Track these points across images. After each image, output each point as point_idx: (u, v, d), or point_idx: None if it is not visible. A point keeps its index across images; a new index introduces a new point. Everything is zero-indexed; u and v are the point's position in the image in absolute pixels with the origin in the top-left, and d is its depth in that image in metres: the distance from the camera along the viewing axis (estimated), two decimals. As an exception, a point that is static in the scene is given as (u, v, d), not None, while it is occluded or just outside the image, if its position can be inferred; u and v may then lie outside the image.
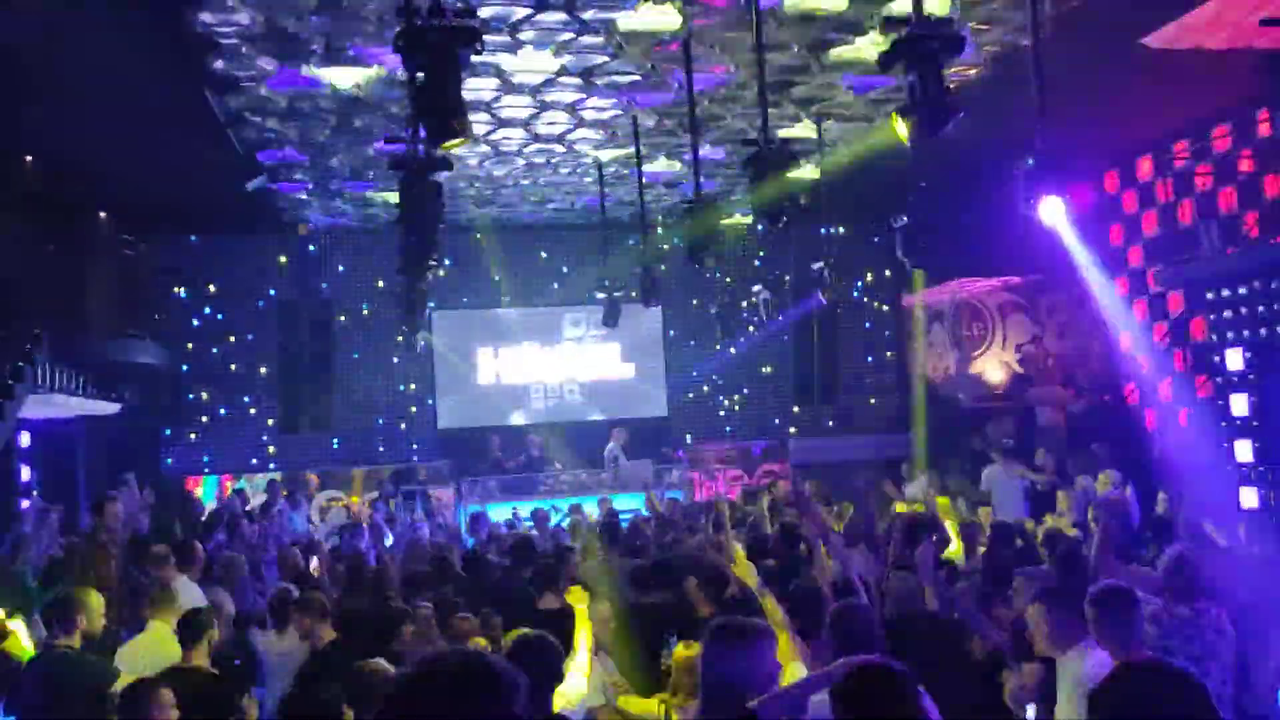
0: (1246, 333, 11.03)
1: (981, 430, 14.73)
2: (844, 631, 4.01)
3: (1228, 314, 11.32)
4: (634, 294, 11.80)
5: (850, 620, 4.10)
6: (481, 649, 2.28)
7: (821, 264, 11.95)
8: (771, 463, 16.96)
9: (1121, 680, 3.85)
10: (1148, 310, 14.30)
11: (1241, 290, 11.03)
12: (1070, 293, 14.76)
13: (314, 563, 9.01)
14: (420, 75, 5.21)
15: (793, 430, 17.09)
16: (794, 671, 3.95)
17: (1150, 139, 13.59)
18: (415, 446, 16.30)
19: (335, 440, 15.97)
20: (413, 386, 16.34)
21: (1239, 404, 11.14)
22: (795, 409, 17.20)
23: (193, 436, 15.56)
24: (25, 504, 12.18)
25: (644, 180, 11.68)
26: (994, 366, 16.47)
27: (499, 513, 13.10)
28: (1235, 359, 11.20)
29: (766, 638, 3.48)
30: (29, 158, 11.35)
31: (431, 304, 14.15)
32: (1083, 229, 10.78)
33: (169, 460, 15.36)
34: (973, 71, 10.16)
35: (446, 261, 13.83)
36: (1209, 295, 11.70)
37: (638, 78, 10.28)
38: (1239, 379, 11.15)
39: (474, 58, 5.27)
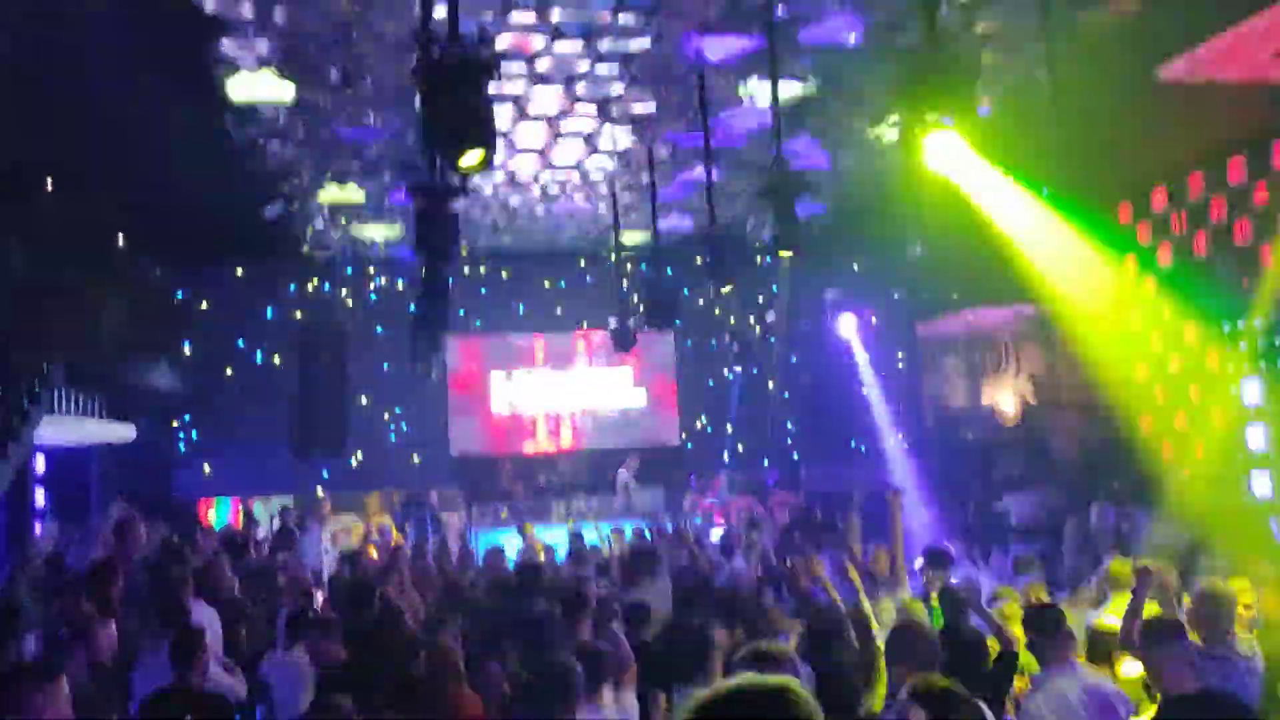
0: (1263, 365, 10.97)
1: (994, 461, 14.66)
2: (904, 647, 4.01)
3: (1244, 345, 11.26)
4: (647, 321, 11.83)
5: (911, 638, 4.08)
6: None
7: (834, 291, 11.95)
8: (785, 491, 16.89)
9: (1172, 713, 3.82)
10: (1163, 341, 14.24)
11: (1258, 322, 10.99)
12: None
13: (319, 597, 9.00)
14: (437, 101, 5.26)
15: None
16: None
17: (1164, 171, 13.58)
18: (428, 472, 16.29)
19: (348, 465, 15.98)
20: (426, 412, 16.36)
21: (1256, 437, 11.07)
22: (809, 437, 17.14)
23: (206, 461, 15.58)
24: (39, 527, 12.23)
25: (658, 207, 11.73)
26: (1007, 396, 16.41)
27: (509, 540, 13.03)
28: (1252, 392, 11.14)
29: (793, 665, 3.48)
30: (49, 180, 11.46)
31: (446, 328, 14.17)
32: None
33: (182, 484, 15.39)
34: (986, 103, 10.18)
35: (461, 288, 13.92)
36: (1225, 327, 11.65)
37: (653, 107, 10.35)
38: (1255, 412, 11.09)
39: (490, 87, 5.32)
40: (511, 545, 12.15)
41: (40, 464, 12.66)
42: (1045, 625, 4.59)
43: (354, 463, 16.03)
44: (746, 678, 1.95)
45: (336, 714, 4.33)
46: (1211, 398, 13.02)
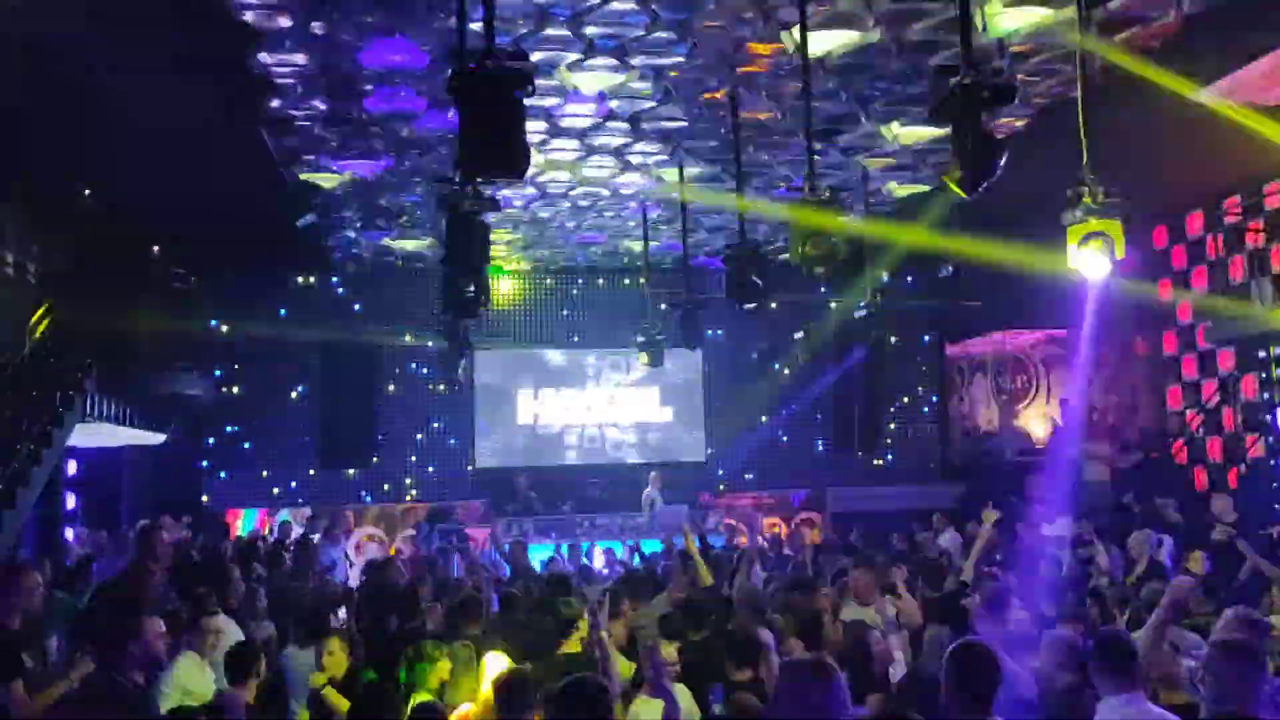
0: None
1: (1023, 484, 14.48)
2: (960, 672, 3.86)
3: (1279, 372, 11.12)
4: (675, 337, 11.83)
5: (969, 660, 3.92)
6: None
7: (864, 311, 11.89)
8: (810, 511, 16.79)
9: None
10: (1197, 367, 14.09)
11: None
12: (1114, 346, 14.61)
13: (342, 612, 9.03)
14: (471, 116, 5.29)
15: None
16: None
17: (1200, 194, 13.46)
18: (453, 485, 16.32)
19: (373, 476, 16.03)
20: (452, 425, 16.40)
21: (1292, 464, 10.90)
22: (835, 457, 17.05)
23: (233, 469, 15.67)
24: (70, 532, 12.33)
25: (688, 224, 11.73)
26: (1037, 420, 16.27)
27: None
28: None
29: (837, 675, 3.40)
30: (87, 191, 11.62)
31: (474, 342, 14.22)
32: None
33: (211, 493, 15.49)
34: (1021, 123, 10.13)
35: (489, 302, 13.97)
36: (1260, 353, 11.51)
37: (684, 123, 10.37)
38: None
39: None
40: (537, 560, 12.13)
41: (71, 468, 12.78)
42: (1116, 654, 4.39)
43: (379, 474, 16.07)
44: None
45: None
46: (1246, 424, 12.86)
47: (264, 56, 8.64)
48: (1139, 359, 15.37)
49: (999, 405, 16.55)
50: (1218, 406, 13.51)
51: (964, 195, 5.68)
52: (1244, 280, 12.57)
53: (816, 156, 8.25)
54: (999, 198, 5.89)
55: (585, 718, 3.69)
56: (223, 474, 15.61)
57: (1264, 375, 12.09)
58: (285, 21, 8.08)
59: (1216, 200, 13.30)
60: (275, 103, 9.59)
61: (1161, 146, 10.66)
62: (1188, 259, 14.12)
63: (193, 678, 5.84)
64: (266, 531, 14.15)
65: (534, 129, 10.24)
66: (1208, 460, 13.67)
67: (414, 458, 16.29)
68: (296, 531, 13.24)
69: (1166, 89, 9.17)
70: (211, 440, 15.67)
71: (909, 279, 16.26)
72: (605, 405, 16.90)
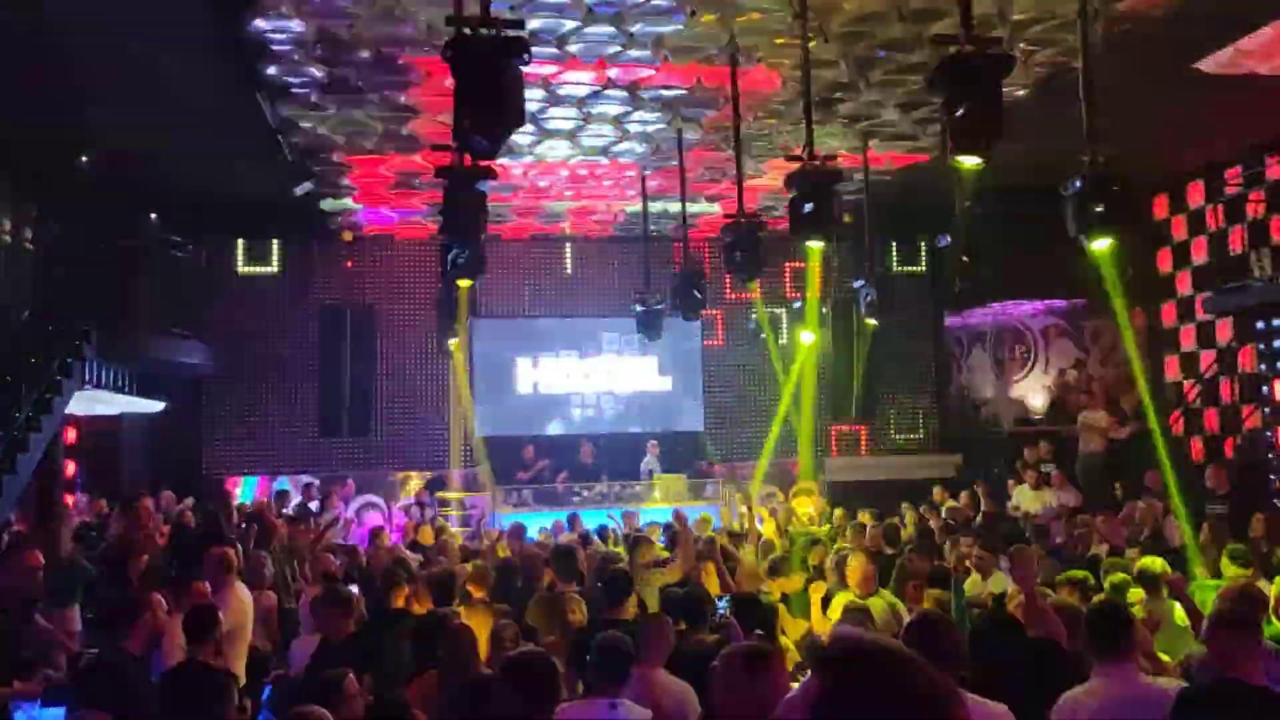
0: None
1: (1019, 454, 14.55)
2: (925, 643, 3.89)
3: (1278, 343, 11.13)
4: (673, 308, 11.82)
5: (933, 632, 3.97)
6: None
7: (863, 281, 11.87)
8: (806, 480, 16.83)
9: (1199, 696, 3.76)
10: (1195, 338, 14.10)
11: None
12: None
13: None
14: (467, 85, 5.27)
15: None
16: None
17: (1201, 165, 13.42)
18: (451, 453, 16.34)
19: (374, 444, 16.06)
20: (451, 393, 16.40)
21: (1287, 436, 10.94)
22: (832, 427, 17.08)
23: (233, 437, 15.69)
24: (70, 499, 12.38)
25: (686, 194, 11.70)
26: (1035, 390, 16.29)
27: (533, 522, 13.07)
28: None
29: (778, 661, 3.38)
30: (84, 158, 11.56)
31: (472, 310, 14.22)
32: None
33: (210, 460, 15.51)
34: (1021, 92, 10.07)
35: (489, 270, 13.98)
36: (1259, 324, 11.52)
37: (683, 92, 10.31)
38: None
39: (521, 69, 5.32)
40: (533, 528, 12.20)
41: (71, 436, 12.81)
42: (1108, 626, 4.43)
43: (378, 442, 16.10)
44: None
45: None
46: (1244, 395, 12.89)
47: (260, 23, 8.58)
48: (1137, 330, 15.37)
49: (997, 376, 16.57)
50: (1215, 378, 13.53)
51: (962, 165, 5.68)
52: (1243, 251, 12.57)
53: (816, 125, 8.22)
54: (999, 167, 5.89)
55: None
56: (221, 441, 15.63)
57: (1262, 346, 12.10)
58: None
59: (1218, 171, 13.26)
60: (272, 69, 9.54)
61: (1162, 117, 10.62)
62: (1188, 229, 14.10)
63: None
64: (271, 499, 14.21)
65: (532, 97, 10.18)
66: (1204, 431, 13.71)
67: (413, 426, 16.30)
68: (294, 500, 13.31)
69: (1168, 58, 9.13)
70: (210, 407, 15.66)
71: (908, 248, 16.25)
72: (604, 374, 16.90)
